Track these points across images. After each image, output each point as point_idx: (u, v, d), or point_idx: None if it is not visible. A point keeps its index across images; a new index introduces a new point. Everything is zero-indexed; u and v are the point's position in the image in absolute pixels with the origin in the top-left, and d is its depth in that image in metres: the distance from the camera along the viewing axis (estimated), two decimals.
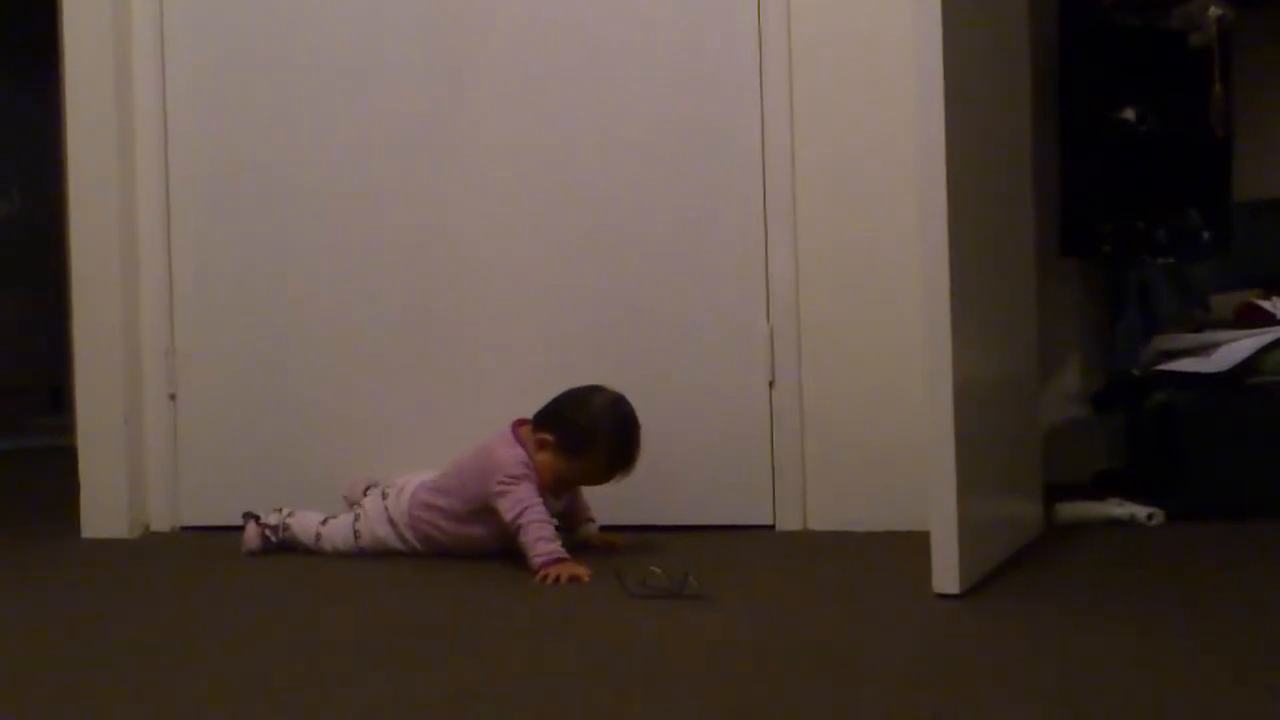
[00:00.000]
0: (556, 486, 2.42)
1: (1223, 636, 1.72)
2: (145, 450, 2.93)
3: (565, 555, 2.26)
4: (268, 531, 2.58)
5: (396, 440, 2.79)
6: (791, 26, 2.67)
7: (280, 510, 2.61)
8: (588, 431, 2.39)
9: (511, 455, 2.38)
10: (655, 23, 2.74)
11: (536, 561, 2.25)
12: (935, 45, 1.95)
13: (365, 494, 2.62)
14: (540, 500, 2.33)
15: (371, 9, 2.86)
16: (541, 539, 2.28)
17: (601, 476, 2.42)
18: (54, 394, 5.66)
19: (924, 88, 1.96)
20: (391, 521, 2.49)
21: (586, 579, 2.20)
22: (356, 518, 2.53)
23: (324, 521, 2.56)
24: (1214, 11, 2.70)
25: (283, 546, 2.58)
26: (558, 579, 2.20)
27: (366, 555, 2.50)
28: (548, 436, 2.39)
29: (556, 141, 2.78)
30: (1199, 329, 2.83)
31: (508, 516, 2.32)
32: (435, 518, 2.45)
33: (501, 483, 2.34)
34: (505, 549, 2.36)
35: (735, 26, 2.70)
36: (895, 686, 1.53)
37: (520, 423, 2.45)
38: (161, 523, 2.93)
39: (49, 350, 5.38)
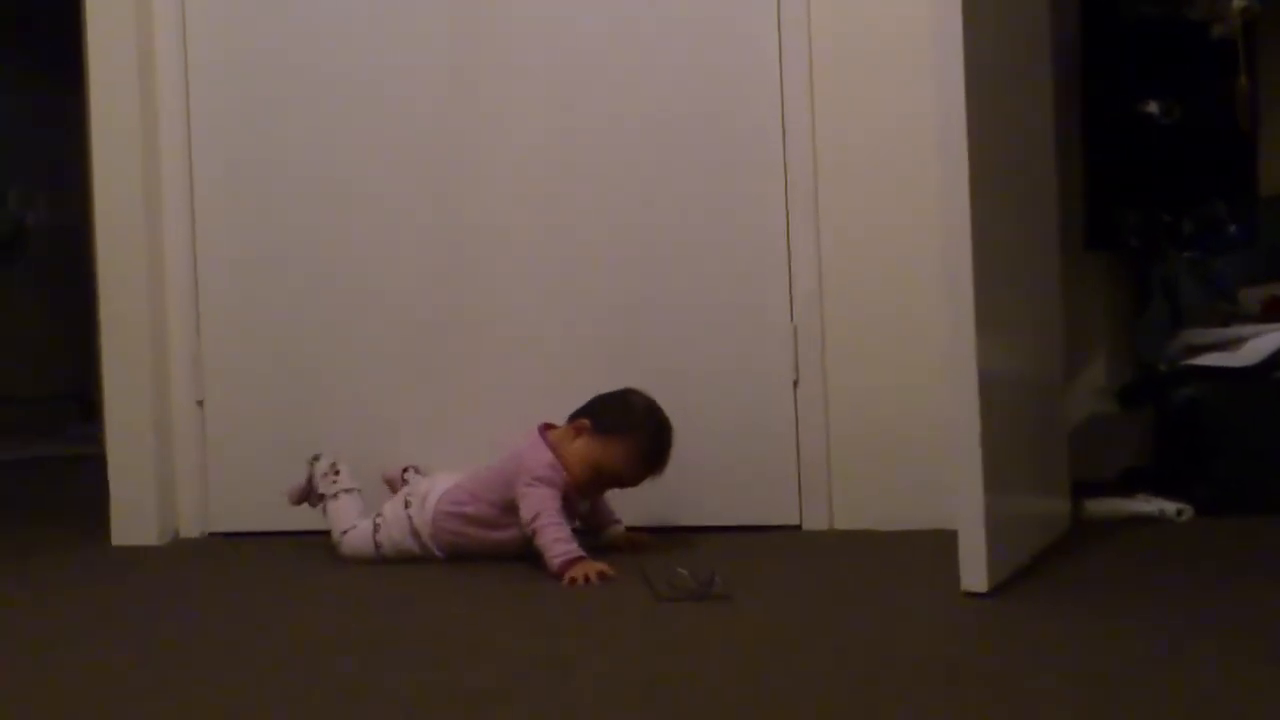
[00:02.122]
0: (588, 481, 2.41)
1: (1254, 632, 1.71)
2: (174, 457, 2.95)
3: (583, 554, 2.26)
4: (313, 498, 2.62)
5: (426, 443, 2.80)
6: (811, 17, 2.67)
7: (336, 475, 2.61)
8: (626, 417, 2.41)
9: (539, 458, 2.38)
10: (674, 14, 2.74)
11: (555, 562, 2.25)
12: (956, 37, 1.94)
13: (404, 476, 2.64)
14: (558, 506, 2.33)
15: (392, 6, 2.87)
16: (558, 540, 2.27)
17: (634, 469, 2.41)
18: (83, 403, 5.71)
19: (945, 82, 1.95)
20: (415, 532, 2.49)
21: (612, 575, 2.20)
22: (377, 528, 2.52)
23: (345, 532, 2.56)
24: (1238, 3, 2.68)
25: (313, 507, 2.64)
26: (586, 579, 2.20)
27: (386, 562, 2.51)
28: (585, 422, 2.41)
29: (575, 138, 2.79)
30: (1226, 323, 2.81)
31: (525, 517, 2.33)
32: (463, 526, 2.45)
33: (528, 484, 2.35)
34: (532, 552, 2.36)
35: (754, 17, 2.69)
36: (924, 686, 1.53)
37: (546, 427, 2.46)
38: (190, 529, 2.95)
39: (78, 359, 5.43)
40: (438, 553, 2.48)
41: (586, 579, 2.20)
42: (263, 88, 2.94)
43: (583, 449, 2.40)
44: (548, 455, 2.39)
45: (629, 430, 2.40)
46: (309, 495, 2.65)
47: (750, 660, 1.69)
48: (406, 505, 2.52)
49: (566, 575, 2.23)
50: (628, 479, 2.44)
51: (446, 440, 2.76)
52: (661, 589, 2.05)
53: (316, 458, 2.67)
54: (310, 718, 1.53)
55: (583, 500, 2.45)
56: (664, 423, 2.44)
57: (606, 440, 2.39)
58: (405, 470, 2.67)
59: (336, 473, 2.63)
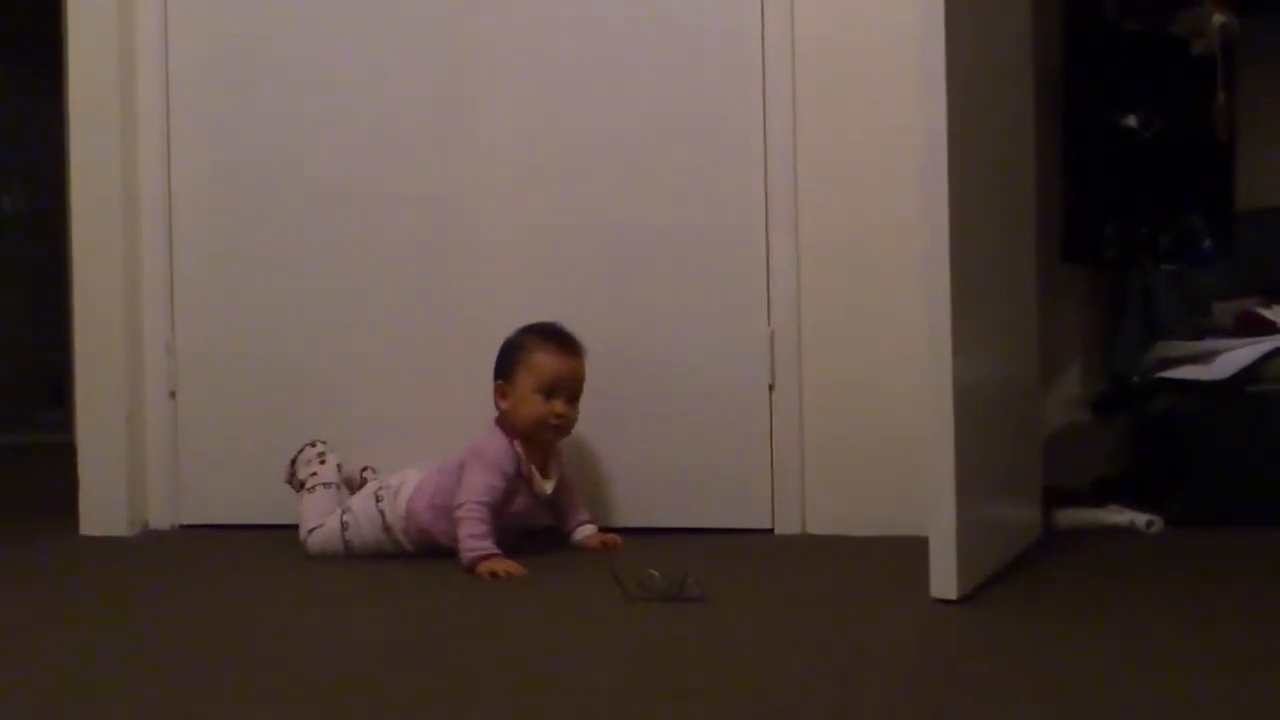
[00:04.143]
0: (539, 417, 2.42)
1: (1221, 645, 1.72)
2: (145, 448, 2.93)
3: (495, 552, 2.30)
4: (293, 481, 2.64)
5: (400, 437, 2.79)
6: (794, 22, 2.66)
7: (320, 464, 2.62)
8: (512, 348, 2.49)
9: (496, 445, 2.42)
10: (658, 16, 2.74)
11: (466, 557, 2.29)
12: (939, 46, 1.94)
13: (363, 475, 2.64)
14: (487, 500, 2.35)
15: (376, 2, 2.86)
16: (472, 535, 2.31)
17: (551, 362, 2.45)
18: (54, 390, 5.67)
19: (927, 92, 1.95)
20: (386, 526, 2.49)
21: (520, 574, 2.24)
22: (345, 526, 2.52)
23: (311, 530, 2.54)
24: (1217, 19, 2.70)
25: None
26: (494, 575, 2.24)
27: (355, 559, 2.50)
28: (497, 384, 2.47)
29: (558, 139, 2.78)
30: (1200, 336, 2.83)
31: (456, 500, 2.36)
32: (434, 520, 2.44)
33: (472, 464, 2.39)
34: (504, 543, 2.36)
35: (738, 21, 2.69)
36: (893, 691, 1.53)
37: (498, 419, 2.48)
38: (160, 520, 2.93)
39: (50, 346, 5.39)
40: (409, 546, 2.48)
41: (495, 574, 2.23)
42: (245, 79, 2.93)
43: (514, 398, 2.44)
44: (504, 443, 2.42)
45: (521, 346, 2.48)
46: (291, 477, 2.64)
47: (720, 663, 1.69)
48: (378, 500, 2.51)
49: (476, 570, 2.26)
50: (559, 375, 2.45)
51: (423, 437, 2.75)
52: (632, 589, 2.05)
53: (312, 443, 2.66)
54: (270, 715, 1.52)
55: (546, 481, 2.46)
56: (536, 323, 2.51)
57: (520, 368, 2.45)
58: (364, 470, 2.67)
59: (322, 462, 2.62)
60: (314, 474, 2.61)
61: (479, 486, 2.36)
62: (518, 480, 2.42)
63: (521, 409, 2.43)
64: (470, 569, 2.28)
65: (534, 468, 2.45)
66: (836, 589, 2.17)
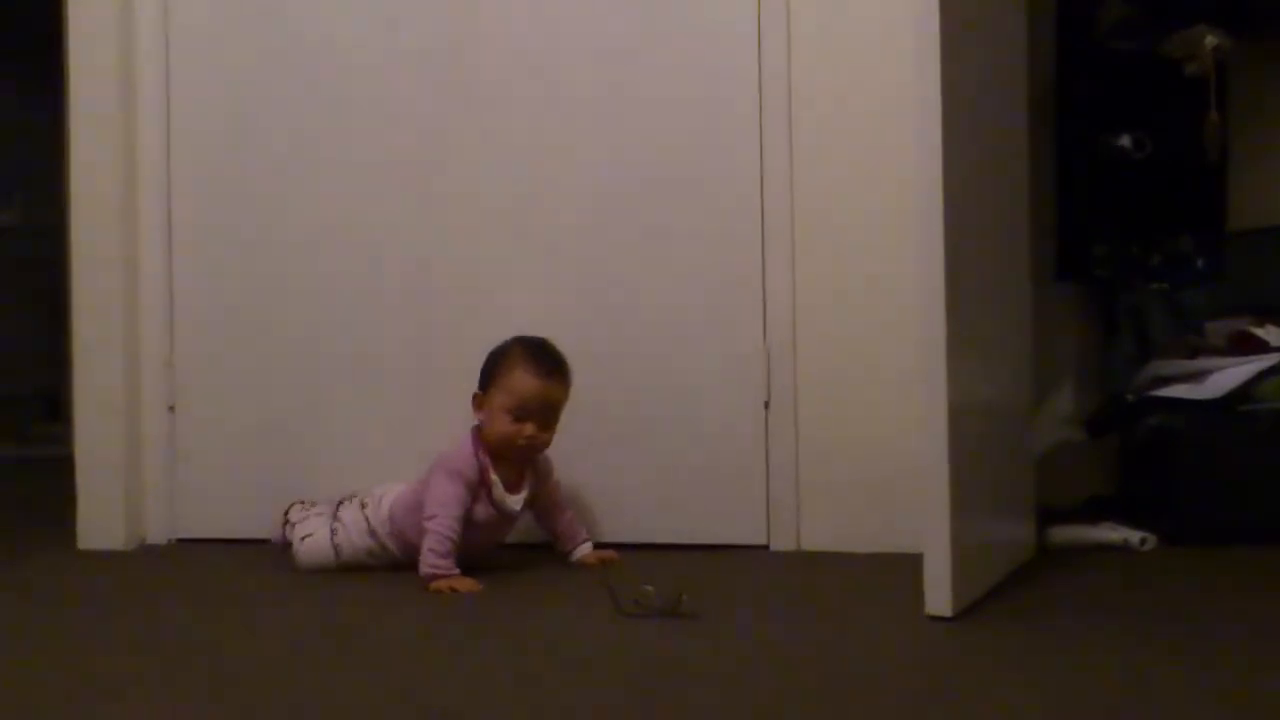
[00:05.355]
0: (510, 435, 2.41)
1: (1214, 662, 1.73)
2: (143, 462, 2.94)
3: (453, 572, 2.31)
4: (286, 529, 2.63)
5: (398, 452, 2.79)
6: (791, 47, 2.68)
7: (312, 505, 2.64)
8: (495, 356, 2.48)
9: (461, 453, 2.42)
10: (656, 49, 2.75)
11: (424, 571, 2.32)
12: (934, 71, 1.96)
13: (339, 504, 2.64)
14: (455, 512, 2.35)
15: (376, 27, 2.88)
16: (432, 550, 2.33)
17: (528, 379, 2.41)
18: (52, 403, 5.66)
19: (922, 115, 1.97)
20: (372, 531, 2.50)
21: (477, 589, 2.27)
22: (334, 533, 2.53)
23: (304, 539, 2.55)
24: (1210, 40, 2.71)
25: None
26: (453, 590, 2.26)
27: (346, 568, 2.51)
28: (477, 392, 2.47)
29: (557, 155, 2.80)
30: (1192, 355, 2.84)
31: (424, 512, 2.37)
32: (415, 525, 2.43)
33: (438, 473, 2.40)
34: (477, 554, 2.37)
35: (736, 47, 2.71)
36: (887, 708, 1.54)
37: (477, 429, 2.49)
38: (157, 535, 2.93)
39: (48, 359, 5.39)
40: (395, 551, 2.49)
41: (455, 590, 2.26)
42: (245, 94, 2.94)
43: (487, 412, 2.44)
44: (464, 449, 2.42)
45: (502, 359, 2.46)
46: (285, 532, 2.65)
47: (714, 679, 1.69)
48: (363, 507, 2.53)
49: (431, 586, 2.29)
50: (533, 399, 2.41)
51: (421, 452, 2.73)
52: (627, 605, 2.05)
53: (300, 502, 2.68)
54: None
55: (515, 494, 2.46)
56: (527, 338, 2.49)
57: (496, 384, 2.44)
58: (341, 500, 2.68)
59: (313, 504, 2.65)
60: (305, 513, 2.64)
61: (445, 497, 2.37)
62: (479, 488, 2.42)
63: (493, 426, 2.43)
64: (425, 584, 2.30)
65: (498, 479, 2.44)
66: (831, 606, 2.17)
